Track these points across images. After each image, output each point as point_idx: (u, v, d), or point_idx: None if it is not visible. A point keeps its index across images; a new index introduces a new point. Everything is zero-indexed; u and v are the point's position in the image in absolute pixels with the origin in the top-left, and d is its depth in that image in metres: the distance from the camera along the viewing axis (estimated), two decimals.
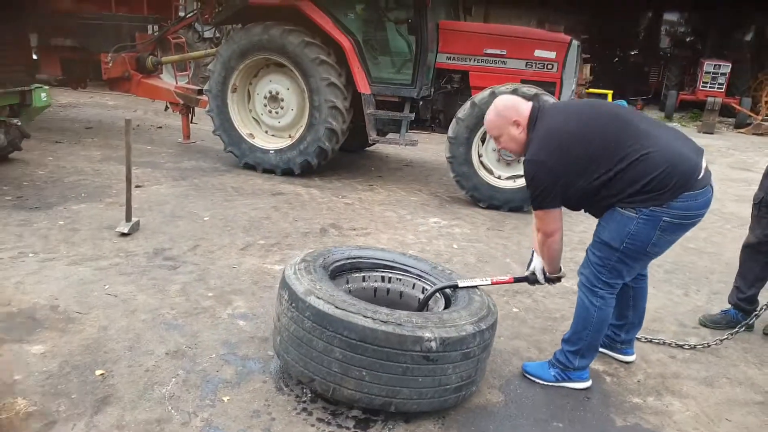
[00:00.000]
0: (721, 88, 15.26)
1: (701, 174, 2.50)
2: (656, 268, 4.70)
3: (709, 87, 15.34)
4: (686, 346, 3.35)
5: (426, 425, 2.46)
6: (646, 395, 2.87)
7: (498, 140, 2.74)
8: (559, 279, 2.85)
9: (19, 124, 5.53)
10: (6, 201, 4.85)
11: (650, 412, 2.73)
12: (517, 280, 2.97)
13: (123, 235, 4.28)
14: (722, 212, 6.67)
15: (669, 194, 2.44)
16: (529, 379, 2.89)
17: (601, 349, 3.06)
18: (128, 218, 4.39)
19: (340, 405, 2.49)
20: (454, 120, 5.98)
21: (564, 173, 2.51)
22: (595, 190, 2.55)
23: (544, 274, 2.82)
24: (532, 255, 2.93)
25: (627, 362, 3.13)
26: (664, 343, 3.38)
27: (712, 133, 13.23)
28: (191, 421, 2.32)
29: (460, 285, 2.79)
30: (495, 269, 4.37)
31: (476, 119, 5.83)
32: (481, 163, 6.09)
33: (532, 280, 2.89)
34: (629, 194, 2.48)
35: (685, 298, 4.16)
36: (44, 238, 4.10)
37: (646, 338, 3.40)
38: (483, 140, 6.01)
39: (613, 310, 2.81)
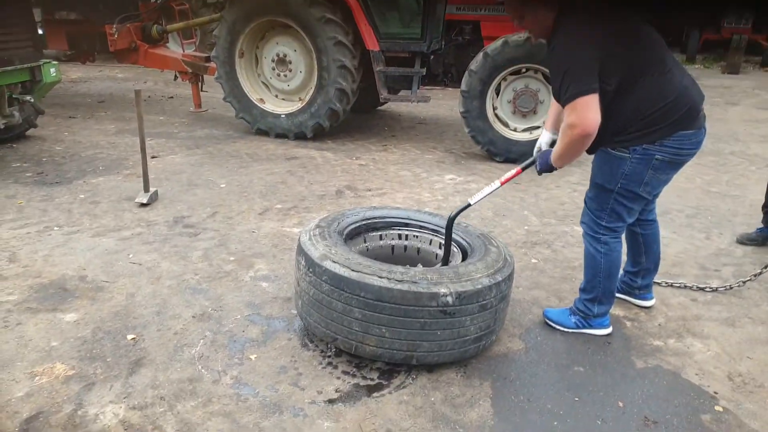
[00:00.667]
0: (747, 25, 14.55)
1: (700, 114, 2.48)
2: (677, 213, 4.68)
3: (735, 24, 14.62)
4: (708, 289, 3.36)
5: (448, 374, 2.52)
6: (667, 338, 2.90)
7: (521, 19, 2.52)
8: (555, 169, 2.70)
9: (32, 101, 5.57)
10: (27, 177, 4.93)
11: (671, 354, 2.76)
12: (525, 167, 2.84)
13: (142, 205, 4.35)
14: (746, 154, 6.57)
15: (667, 129, 2.41)
16: (550, 326, 2.93)
17: (619, 295, 3.09)
18: (146, 189, 4.45)
19: (364, 359, 2.55)
20: (466, 73, 5.88)
21: (595, 58, 2.30)
22: (608, 108, 2.37)
23: (548, 162, 2.64)
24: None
25: (646, 307, 3.15)
26: (684, 287, 3.39)
27: (737, 73, 12.85)
28: (221, 378, 2.40)
29: (472, 202, 2.79)
30: (513, 223, 4.38)
31: (490, 71, 5.74)
32: (496, 116, 6.03)
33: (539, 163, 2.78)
34: (628, 125, 2.43)
35: (707, 241, 4.14)
36: (67, 212, 4.18)
37: (666, 282, 3.41)
38: (497, 93, 5.94)
39: (622, 256, 2.81)
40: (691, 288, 3.38)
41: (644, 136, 2.44)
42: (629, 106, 2.40)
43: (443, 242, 2.96)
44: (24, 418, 2.09)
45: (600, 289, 2.78)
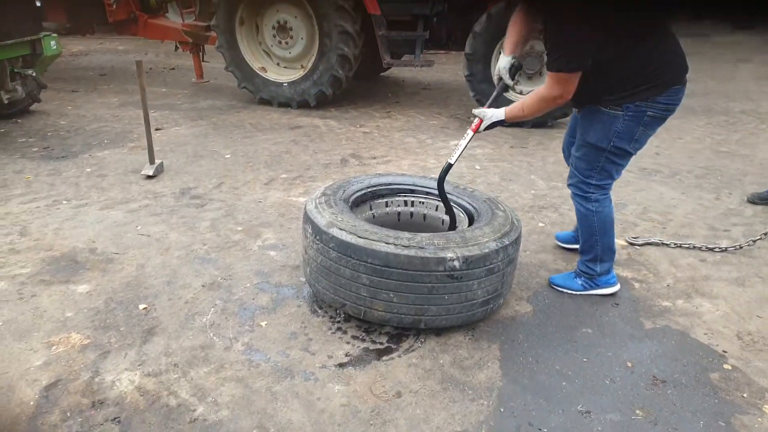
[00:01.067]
0: None
1: (687, 69, 2.46)
2: (686, 174, 4.65)
3: None
4: (717, 249, 3.35)
5: (456, 337, 2.55)
6: (675, 298, 2.91)
7: None
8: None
9: (34, 74, 5.54)
10: (34, 152, 4.94)
11: (679, 314, 2.77)
12: (490, 105, 2.76)
13: (149, 177, 4.36)
14: (758, 112, 6.49)
15: (661, 85, 2.40)
16: (557, 290, 2.94)
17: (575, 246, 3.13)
18: (152, 161, 4.45)
19: (373, 323, 2.58)
20: (470, 35, 5.79)
21: (595, 37, 2.28)
22: (603, 69, 2.35)
23: (499, 122, 2.66)
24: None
25: None
26: (693, 248, 3.39)
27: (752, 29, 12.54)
28: (233, 345, 2.44)
29: (452, 161, 2.77)
30: (520, 187, 4.36)
31: (494, 33, 5.65)
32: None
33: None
34: (623, 85, 2.40)
35: (717, 202, 4.11)
36: (75, 186, 4.19)
37: (675, 243, 3.40)
38: None
39: (613, 209, 2.82)
40: (700, 248, 3.37)
41: (637, 94, 2.42)
42: (626, 68, 2.39)
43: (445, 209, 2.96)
44: (43, 386, 2.14)
45: (599, 247, 2.79)
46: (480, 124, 2.70)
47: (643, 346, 2.53)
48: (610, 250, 2.84)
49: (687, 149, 5.28)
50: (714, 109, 6.81)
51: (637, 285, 3.03)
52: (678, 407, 2.17)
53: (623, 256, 3.32)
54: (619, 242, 3.49)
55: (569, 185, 2.81)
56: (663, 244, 3.40)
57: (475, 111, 2.73)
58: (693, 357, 2.46)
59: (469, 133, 2.74)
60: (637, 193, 4.27)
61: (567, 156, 3.09)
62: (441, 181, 2.81)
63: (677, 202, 4.09)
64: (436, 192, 3.06)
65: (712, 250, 3.35)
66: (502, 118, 2.64)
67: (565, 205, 4.03)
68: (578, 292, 2.91)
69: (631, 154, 2.61)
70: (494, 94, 2.83)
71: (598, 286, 2.89)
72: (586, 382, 2.30)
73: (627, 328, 2.66)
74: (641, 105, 2.43)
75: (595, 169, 2.65)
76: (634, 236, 3.52)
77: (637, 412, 2.14)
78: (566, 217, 3.83)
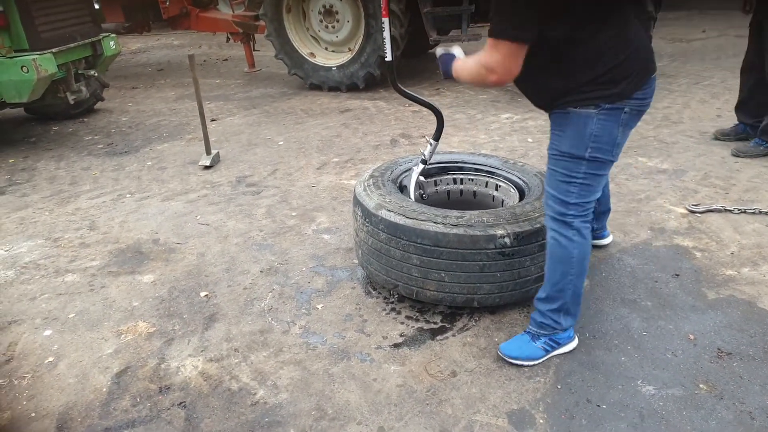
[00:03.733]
0: None
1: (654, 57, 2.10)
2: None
3: None
4: None
5: (511, 314, 2.54)
6: (740, 266, 2.78)
7: None
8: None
9: (96, 75, 5.79)
10: (99, 149, 5.18)
11: (745, 283, 2.66)
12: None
13: (206, 168, 4.50)
14: None
15: (636, 81, 1.98)
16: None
17: None
18: (208, 151, 4.59)
19: (426, 304, 2.59)
20: None
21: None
22: (564, 57, 1.96)
23: (449, 70, 2.27)
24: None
25: (605, 245, 3.05)
26: (759, 213, 3.22)
27: None
28: (290, 329, 2.51)
29: (389, 59, 2.68)
30: None
31: None
32: None
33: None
34: (591, 78, 1.96)
35: None
36: (137, 179, 4.38)
37: (739, 209, 3.24)
38: None
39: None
40: (766, 213, 3.20)
41: (610, 91, 1.98)
42: (589, 56, 1.95)
43: (500, 184, 2.92)
44: (115, 372, 2.27)
45: (569, 291, 2.21)
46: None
47: (706, 318, 2.44)
48: (579, 298, 2.28)
49: None
50: None
51: (698, 254, 2.91)
52: (745, 380, 2.09)
53: (684, 224, 3.20)
54: (678, 210, 3.36)
55: (546, 206, 2.23)
56: (726, 210, 3.25)
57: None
58: (761, 327, 2.36)
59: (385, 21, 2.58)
60: (696, 159, 4.08)
61: None
62: (394, 82, 2.61)
63: (741, 166, 3.89)
64: (485, 168, 3.03)
65: None
66: (456, 58, 2.26)
67: (621, 174, 3.90)
68: (540, 360, 2.28)
69: (611, 163, 2.12)
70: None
71: (559, 345, 2.31)
72: (646, 356, 2.24)
73: (689, 300, 2.57)
74: (616, 102, 1.99)
75: (573, 184, 2.10)
76: (694, 203, 3.38)
77: (701, 386, 2.08)
78: (623, 187, 3.72)
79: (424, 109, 5.72)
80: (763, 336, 2.31)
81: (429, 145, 2.76)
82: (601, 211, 2.92)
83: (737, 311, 2.47)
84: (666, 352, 2.26)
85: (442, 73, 2.32)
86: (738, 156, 4.06)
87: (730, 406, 1.99)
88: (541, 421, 1.96)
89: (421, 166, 2.80)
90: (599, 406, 2.01)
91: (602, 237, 3.05)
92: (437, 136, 2.73)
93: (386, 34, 2.59)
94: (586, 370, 2.19)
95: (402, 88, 2.64)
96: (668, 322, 2.43)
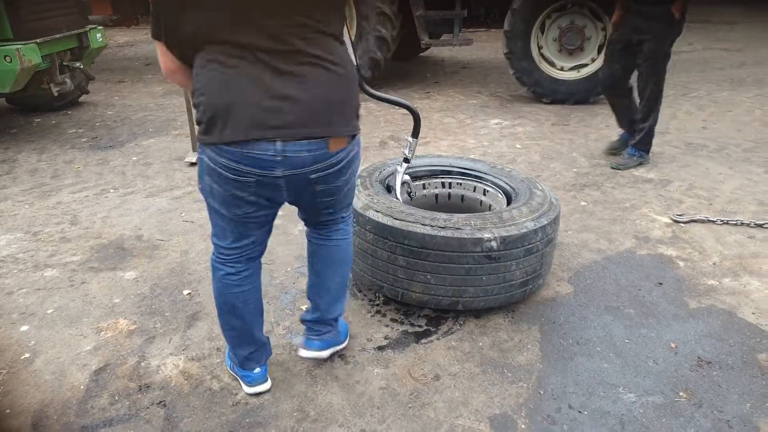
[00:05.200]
0: None
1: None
2: (734, 148, 4.48)
3: None
4: (766, 225, 3.22)
5: (495, 319, 2.54)
6: (722, 277, 2.82)
7: None
8: None
9: (82, 67, 5.71)
10: (83, 143, 5.11)
11: (726, 293, 2.69)
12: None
13: (192, 164, 4.46)
14: None
15: (227, 133, 1.68)
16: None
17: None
18: (195, 148, 4.55)
19: (411, 306, 2.59)
20: (509, 12, 5.68)
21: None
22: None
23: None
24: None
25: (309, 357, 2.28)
26: (741, 224, 3.26)
27: None
28: (274, 329, 2.49)
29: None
30: (562, 165, 4.28)
31: (533, 9, 5.53)
32: (542, 55, 5.82)
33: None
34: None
35: (766, 176, 3.94)
36: (122, 174, 4.33)
37: (722, 220, 3.28)
38: (542, 31, 5.71)
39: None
40: (748, 225, 3.25)
41: (202, 131, 1.75)
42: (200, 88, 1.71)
43: (487, 189, 2.93)
44: (93, 370, 2.23)
45: (225, 333, 2.11)
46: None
47: (687, 327, 2.46)
48: (238, 341, 2.10)
49: (736, 122, 5.06)
50: (765, 80, 6.49)
51: (681, 264, 2.94)
52: (724, 389, 2.11)
53: (668, 234, 3.23)
54: (663, 219, 3.40)
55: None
56: (709, 221, 3.29)
57: None
58: (740, 337, 2.38)
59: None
60: (682, 169, 4.13)
61: None
62: (365, 88, 2.40)
63: (724, 178, 3.94)
64: (473, 173, 3.04)
65: (761, 226, 3.22)
66: None
67: (608, 182, 3.93)
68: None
69: (221, 214, 1.86)
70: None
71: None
72: (628, 363, 2.26)
73: (671, 308, 2.59)
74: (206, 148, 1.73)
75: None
76: (679, 213, 3.42)
77: (681, 394, 2.10)
78: (609, 195, 3.75)
79: None
80: (742, 345, 2.33)
81: (408, 144, 2.76)
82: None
83: (718, 321, 2.50)
84: (647, 359, 2.28)
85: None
86: (618, 169, 4.14)
87: (708, 414, 2.00)
88: (523, 426, 1.96)
89: (405, 165, 2.79)
90: (581, 413, 2.02)
91: (309, 346, 2.23)
92: (415, 134, 2.73)
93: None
94: (569, 376, 2.20)
95: (369, 89, 2.60)
96: (650, 330, 2.45)
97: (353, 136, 1.86)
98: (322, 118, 1.72)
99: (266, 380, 2.12)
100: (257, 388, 2.10)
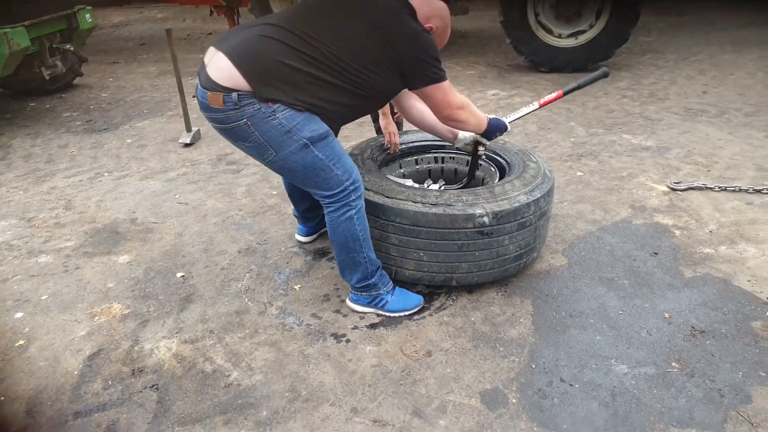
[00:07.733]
0: None
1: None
2: (734, 112, 4.40)
3: None
4: (765, 191, 3.18)
5: (488, 293, 2.53)
6: (718, 245, 2.79)
7: None
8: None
9: (72, 49, 5.65)
10: (77, 126, 5.09)
11: (722, 261, 2.66)
12: (567, 92, 2.79)
13: (186, 145, 4.44)
14: None
15: None
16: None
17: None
18: (188, 129, 4.52)
19: (404, 283, 2.58)
20: None
21: None
22: None
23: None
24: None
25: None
26: (739, 190, 3.22)
27: None
28: (267, 310, 2.49)
29: (508, 122, 2.61)
30: (559, 135, 4.22)
31: None
32: (539, 23, 5.72)
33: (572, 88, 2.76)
34: None
35: (767, 140, 3.88)
36: (116, 157, 4.31)
37: (720, 187, 3.24)
38: None
39: None
40: (746, 191, 3.21)
41: None
42: None
43: (481, 162, 2.89)
44: (87, 355, 2.25)
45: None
46: (555, 98, 2.77)
47: (681, 296, 2.45)
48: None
49: (737, 85, 4.97)
50: None
51: (677, 232, 2.91)
52: (716, 358, 2.10)
53: (665, 202, 3.20)
54: (660, 188, 3.36)
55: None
56: (707, 188, 3.25)
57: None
58: (734, 305, 2.37)
59: (535, 104, 2.76)
60: (681, 136, 4.07)
61: None
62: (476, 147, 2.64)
63: (724, 143, 3.88)
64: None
65: (759, 191, 3.18)
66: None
67: (605, 152, 3.89)
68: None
69: (338, 150, 2.30)
70: (575, 85, 2.82)
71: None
72: (621, 335, 2.25)
73: (666, 278, 2.57)
74: None
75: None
76: (676, 181, 3.37)
77: (673, 364, 2.09)
78: (605, 164, 3.70)
79: None
80: (736, 314, 2.32)
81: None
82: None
83: (712, 289, 2.48)
84: (641, 330, 2.27)
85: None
86: None
87: (700, 384, 2.00)
88: (514, 400, 1.97)
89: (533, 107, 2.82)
90: (572, 385, 2.02)
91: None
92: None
93: (524, 111, 2.78)
94: (561, 349, 2.19)
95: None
96: (644, 300, 2.44)
97: (231, 100, 1.94)
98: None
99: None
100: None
